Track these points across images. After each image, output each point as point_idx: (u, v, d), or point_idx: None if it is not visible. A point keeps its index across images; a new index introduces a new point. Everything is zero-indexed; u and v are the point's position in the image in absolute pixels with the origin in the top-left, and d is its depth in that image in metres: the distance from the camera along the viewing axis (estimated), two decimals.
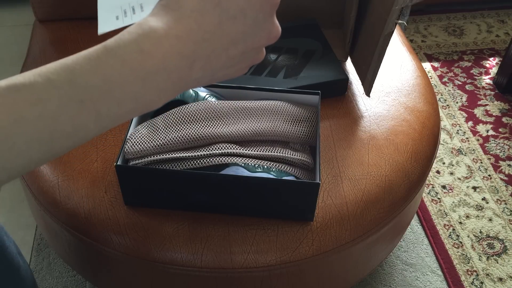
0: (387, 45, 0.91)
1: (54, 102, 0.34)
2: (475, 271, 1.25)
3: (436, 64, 1.84)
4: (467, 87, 1.75)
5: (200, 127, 0.81)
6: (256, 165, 0.80)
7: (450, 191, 1.43)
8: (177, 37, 0.36)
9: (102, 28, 0.48)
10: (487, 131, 1.60)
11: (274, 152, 0.82)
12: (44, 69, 0.35)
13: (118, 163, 0.77)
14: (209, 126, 0.82)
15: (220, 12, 0.37)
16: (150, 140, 0.80)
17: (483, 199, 1.41)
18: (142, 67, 0.36)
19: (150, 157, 0.79)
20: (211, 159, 0.79)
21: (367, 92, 1.01)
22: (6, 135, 0.33)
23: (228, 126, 0.83)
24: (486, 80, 1.78)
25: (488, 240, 1.32)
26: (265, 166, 0.81)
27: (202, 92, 0.89)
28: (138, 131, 0.82)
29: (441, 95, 1.72)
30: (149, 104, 0.38)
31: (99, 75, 0.35)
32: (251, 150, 0.82)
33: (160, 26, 0.36)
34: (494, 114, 1.65)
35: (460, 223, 1.35)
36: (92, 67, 0.35)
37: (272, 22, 0.40)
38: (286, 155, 0.82)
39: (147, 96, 0.37)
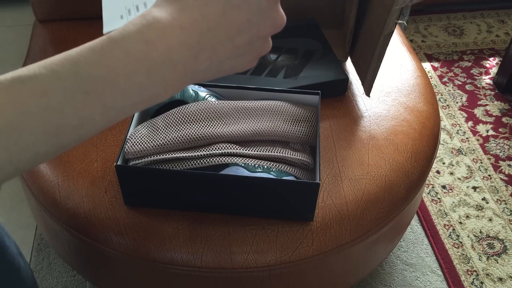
0: (387, 45, 0.91)
1: (60, 94, 0.34)
2: (475, 271, 1.25)
3: (436, 64, 1.84)
4: (467, 87, 1.75)
5: (200, 127, 0.81)
6: (256, 165, 0.80)
7: (450, 191, 1.43)
8: (181, 28, 0.36)
9: (107, 27, 0.48)
10: (487, 131, 1.60)
11: (274, 152, 0.82)
12: (49, 61, 0.35)
13: (118, 163, 0.77)
14: (209, 126, 0.82)
15: (223, 1, 0.37)
16: (150, 140, 0.80)
17: (483, 199, 1.41)
18: (146, 57, 0.35)
19: (150, 157, 0.79)
20: (211, 159, 0.79)
21: (367, 92, 1.01)
22: (12, 127, 0.33)
23: (228, 126, 0.83)
24: (486, 80, 1.78)
25: (488, 240, 1.32)
26: (265, 166, 0.81)
27: (202, 92, 0.89)
28: (138, 131, 0.82)
29: (441, 95, 1.72)
30: (155, 96, 0.37)
31: (103, 66, 0.35)
32: (251, 150, 0.82)
33: (164, 16, 0.36)
34: (494, 114, 1.65)
35: (460, 223, 1.35)
36: (97, 58, 0.35)
37: (276, 9, 0.39)
38: (286, 155, 0.82)
39: (153, 88, 0.36)
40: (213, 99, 0.88)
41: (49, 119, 0.34)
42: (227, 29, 0.37)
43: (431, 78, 1.78)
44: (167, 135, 0.80)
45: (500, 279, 1.24)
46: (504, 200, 1.41)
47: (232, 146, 0.81)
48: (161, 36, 0.36)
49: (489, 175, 1.47)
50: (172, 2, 0.37)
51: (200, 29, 0.37)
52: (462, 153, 1.53)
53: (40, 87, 0.34)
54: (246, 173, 0.79)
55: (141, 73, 0.35)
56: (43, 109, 0.33)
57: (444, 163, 1.50)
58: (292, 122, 0.86)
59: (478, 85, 1.75)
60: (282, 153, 0.82)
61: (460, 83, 1.76)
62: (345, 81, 1.02)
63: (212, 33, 0.37)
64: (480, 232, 1.34)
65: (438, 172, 1.48)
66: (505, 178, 1.46)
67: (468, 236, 1.32)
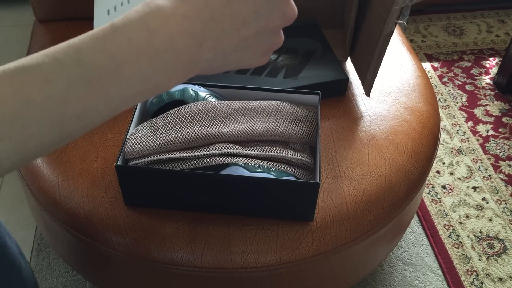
0: (387, 45, 0.91)
1: (63, 83, 0.34)
2: (475, 271, 1.25)
3: (436, 64, 1.84)
4: (467, 87, 1.75)
5: (200, 127, 0.81)
6: (256, 165, 0.80)
7: (450, 191, 1.43)
8: (185, 16, 0.36)
9: (97, 24, 0.48)
10: (487, 131, 1.60)
11: (274, 152, 0.82)
12: (52, 50, 0.35)
13: (118, 163, 0.77)
14: (209, 126, 0.82)
15: None
16: (150, 140, 0.80)
17: (483, 199, 1.41)
18: (149, 45, 0.35)
19: (150, 157, 0.79)
20: (211, 159, 0.79)
21: (367, 92, 1.01)
22: (16, 117, 0.33)
23: (228, 126, 0.83)
24: (486, 80, 1.78)
25: (488, 240, 1.32)
26: (265, 166, 0.81)
27: (202, 92, 0.89)
28: (138, 131, 0.82)
29: (441, 95, 1.72)
30: (158, 85, 0.37)
31: (106, 54, 0.34)
32: (251, 150, 0.82)
33: (167, 4, 0.36)
34: (494, 114, 1.65)
35: (460, 223, 1.35)
36: (99, 46, 0.34)
37: (286, 1, 0.38)
38: (286, 155, 0.82)
39: (156, 77, 0.36)
40: (213, 99, 0.88)
41: (53, 108, 0.34)
42: (233, 19, 0.37)
43: (431, 78, 1.78)
44: (167, 135, 0.80)
45: (500, 279, 1.24)
46: (504, 200, 1.41)
47: (232, 146, 0.81)
48: (164, 24, 0.35)
49: (489, 175, 1.47)
50: None
51: (203, 17, 0.36)
52: (462, 153, 1.53)
53: (43, 76, 0.33)
54: (246, 173, 0.79)
55: (144, 62, 0.35)
56: (47, 98, 0.33)
57: (444, 163, 1.50)
58: (292, 122, 0.86)
59: (478, 85, 1.75)
60: (282, 153, 0.82)
61: (460, 83, 1.76)
62: (345, 81, 1.02)
63: (216, 22, 0.36)
64: (480, 232, 1.34)
65: (438, 172, 1.48)
66: (505, 178, 1.46)
67: (468, 236, 1.32)
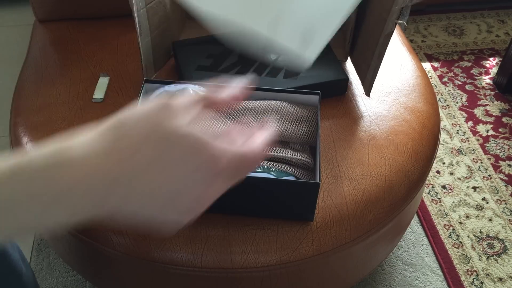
0: (387, 45, 0.91)
1: None
2: (475, 271, 1.25)
3: (436, 64, 1.84)
4: (467, 87, 1.75)
5: (200, 127, 0.81)
6: None
7: (450, 191, 1.43)
8: (95, 171, 0.35)
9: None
10: (487, 131, 1.60)
11: (274, 152, 0.82)
12: None
13: None
14: (209, 126, 0.82)
15: (153, 153, 0.36)
16: None
17: (483, 199, 1.41)
18: (49, 191, 0.35)
19: None
20: None
21: (367, 92, 1.01)
22: None
23: (228, 126, 0.83)
24: (486, 80, 1.78)
25: (488, 240, 1.32)
26: (265, 166, 0.80)
27: (202, 92, 0.89)
28: None
29: (441, 95, 1.72)
30: (57, 223, 0.36)
31: (2, 192, 0.34)
32: None
33: (79, 159, 0.35)
34: (494, 114, 1.65)
35: (460, 223, 1.35)
36: (3, 182, 0.34)
37: (202, 182, 0.38)
38: (286, 155, 0.82)
39: (55, 216, 0.36)
40: None
41: None
42: (149, 172, 0.36)
43: (431, 78, 1.78)
44: None
45: (500, 279, 1.24)
46: (504, 200, 1.41)
47: None
48: (70, 177, 0.35)
49: (489, 175, 1.47)
50: (106, 138, 0.36)
51: (112, 175, 0.36)
52: (462, 153, 1.53)
53: None
54: None
55: (42, 205, 0.35)
56: None
57: (444, 163, 1.50)
58: (292, 122, 0.86)
59: (478, 85, 1.75)
60: (282, 153, 0.82)
61: (460, 83, 1.76)
62: (345, 81, 1.02)
63: (123, 184, 0.36)
64: (480, 232, 1.34)
65: (438, 172, 1.48)
66: (505, 178, 1.46)
67: (468, 236, 1.32)
